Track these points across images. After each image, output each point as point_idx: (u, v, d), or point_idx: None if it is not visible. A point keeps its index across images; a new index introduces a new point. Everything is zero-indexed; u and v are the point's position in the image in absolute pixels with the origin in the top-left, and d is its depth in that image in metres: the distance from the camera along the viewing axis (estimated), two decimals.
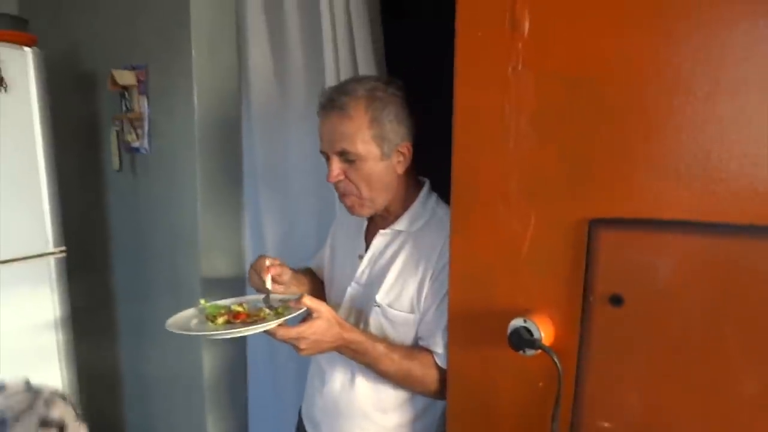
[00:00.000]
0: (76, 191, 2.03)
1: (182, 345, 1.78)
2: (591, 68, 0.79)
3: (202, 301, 1.05)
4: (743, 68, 0.69)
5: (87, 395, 1.79)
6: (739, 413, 0.73)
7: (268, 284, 1.10)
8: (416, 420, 1.16)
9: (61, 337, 1.71)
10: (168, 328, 0.95)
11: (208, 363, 1.77)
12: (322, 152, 1.12)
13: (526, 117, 0.86)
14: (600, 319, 0.82)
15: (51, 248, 1.69)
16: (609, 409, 0.83)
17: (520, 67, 0.86)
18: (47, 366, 1.68)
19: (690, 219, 0.73)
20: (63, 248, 1.71)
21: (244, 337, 1.89)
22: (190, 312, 1.05)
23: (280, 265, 1.15)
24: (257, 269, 1.14)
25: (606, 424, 0.83)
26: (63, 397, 0.50)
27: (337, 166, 1.08)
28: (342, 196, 1.13)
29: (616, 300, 0.80)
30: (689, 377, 0.76)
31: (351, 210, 1.14)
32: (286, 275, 1.17)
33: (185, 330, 0.95)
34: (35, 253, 1.65)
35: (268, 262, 1.13)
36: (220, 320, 0.99)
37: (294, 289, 1.19)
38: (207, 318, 1.01)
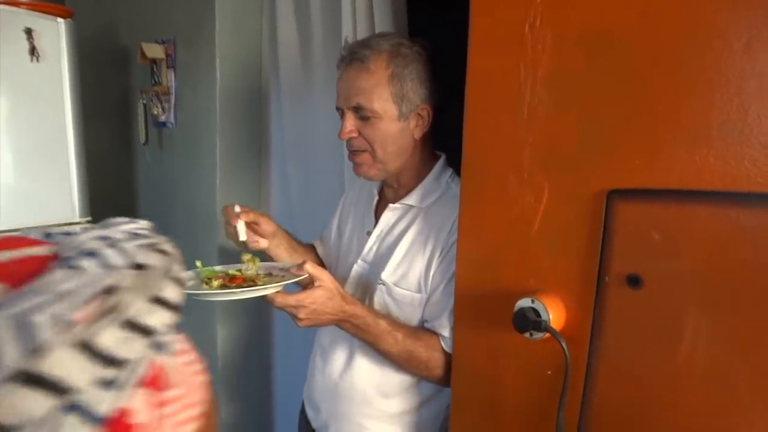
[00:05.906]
0: (105, 163, 2.06)
1: (198, 322, 1.77)
2: (614, 21, 0.71)
3: (199, 264, 1.02)
4: None
5: None
6: None
7: (242, 236, 1.03)
8: (422, 407, 1.10)
9: None
10: None
11: (222, 341, 1.76)
12: (338, 108, 1.06)
13: (542, 79, 0.79)
14: (615, 302, 0.74)
15: (77, 218, 1.70)
16: (621, 401, 0.75)
17: (538, 24, 0.79)
18: None
19: (721, 189, 0.64)
20: (89, 218, 1.73)
21: (265, 317, 1.87)
22: (185, 274, 1.02)
23: (255, 213, 1.07)
24: (226, 217, 1.06)
25: (618, 418, 0.76)
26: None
27: (350, 122, 1.03)
28: (352, 154, 1.07)
29: (634, 281, 0.72)
30: (712, 369, 0.67)
31: (358, 169, 1.07)
32: (268, 226, 1.10)
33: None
34: (61, 222, 1.67)
35: (237, 209, 1.05)
36: (216, 283, 0.95)
37: (285, 255, 1.15)
38: (202, 281, 0.98)
